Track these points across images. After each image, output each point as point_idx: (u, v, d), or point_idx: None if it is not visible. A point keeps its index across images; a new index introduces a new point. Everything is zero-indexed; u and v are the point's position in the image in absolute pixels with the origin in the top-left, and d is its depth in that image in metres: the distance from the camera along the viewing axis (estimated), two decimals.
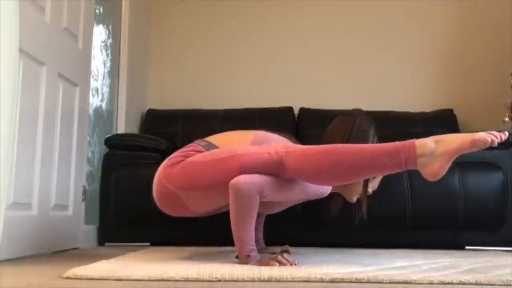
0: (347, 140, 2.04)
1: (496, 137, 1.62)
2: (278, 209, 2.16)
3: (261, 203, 1.77)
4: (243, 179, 1.72)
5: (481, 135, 1.62)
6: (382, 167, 1.69)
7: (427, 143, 1.65)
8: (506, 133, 1.64)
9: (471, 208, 2.76)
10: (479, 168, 2.84)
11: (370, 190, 2.11)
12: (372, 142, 2.10)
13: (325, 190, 1.96)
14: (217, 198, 1.84)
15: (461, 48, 3.88)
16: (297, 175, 1.77)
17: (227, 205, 1.82)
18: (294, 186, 1.84)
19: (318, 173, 1.73)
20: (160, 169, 1.90)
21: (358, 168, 1.70)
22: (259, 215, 2.00)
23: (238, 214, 1.74)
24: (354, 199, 2.16)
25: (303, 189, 1.87)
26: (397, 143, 1.68)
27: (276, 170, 1.76)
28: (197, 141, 1.98)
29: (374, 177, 2.11)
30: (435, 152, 1.64)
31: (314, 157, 1.73)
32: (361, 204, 2.17)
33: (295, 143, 1.95)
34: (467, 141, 1.62)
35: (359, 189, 2.09)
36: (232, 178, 1.75)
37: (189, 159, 1.85)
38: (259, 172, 1.75)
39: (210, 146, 1.92)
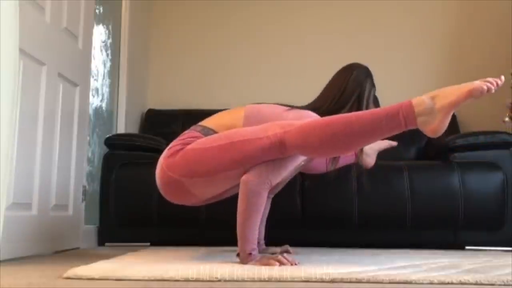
0: (343, 91, 2.11)
1: (492, 83, 1.60)
2: (281, 187, 2.24)
3: None
4: (252, 179, 1.75)
5: (477, 83, 1.60)
6: (382, 130, 1.68)
7: (424, 100, 1.64)
8: (502, 77, 1.62)
9: (471, 208, 2.76)
10: (479, 168, 2.84)
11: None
12: (369, 93, 2.15)
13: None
14: (220, 184, 1.86)
15: (461, 48, 3.88)
16: (299, 151, 1.78)
17: (231, 190, 1.87)
18: (296, 159, 1.86)
19: (320, 147, 1.73)
20: (161, 159, 1.91)
21: (358, 136, 1.69)
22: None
23: (247, 212, 1.75)
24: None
25: (302, 158, 1.90)
26: (393, 105, 1.67)
27: (277, 152, 1.77)
28: (192, 127, 1.98)
29: None
30: (433, 108, 1.63)
31: (313, 132, 1.72)
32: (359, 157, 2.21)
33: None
34: (464, 92, 1.60)
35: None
36: (234, 167, 1.78)
37: (189, 146, 1.86)
38: (261, 159, 1.77)
39: (206, 130, 1.93)
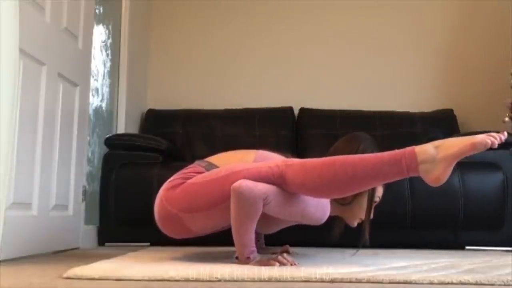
0: None
1: (495, 138, 1.61)
2: (272, 229, 2.12)
3: (258, 219, 1.74)
4: (245, 184, 1.70)
5: (481, 137, 1.62)
6: (384, 176, 1.68)
7: (427, 149, 1.65)
8: (505, 133, 1.64)
9: (471, 208, 2.76)
10: (479, 168, 2.84)
11: (377, 199, 2.05)
12: None
13: (322, 216, 1.92)
14: (219, 218, 1.82)
15: (461, 48, 3.88)
16: (298, 187, 1.75)
17: (229, 224, 1.79)
18: (296, 203, 1.81)
19: (320, 185, 1.72)
20: (161, 192, 1.89)
21: (360, 179, 1.69)
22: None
23: (239, 219, 1.72)
24: (355, 224, 2.09)
25: (303, 208, 1.83)
26: (397, 151, 1.67)
27: (276, 184, 1.74)
28: (197, 162, 1.97)
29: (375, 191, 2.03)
30: (435, 157, 1.64)
31: (314, 169, 1.72)
32: (364, 229, 2.06)
33: None
34: (467, 145, 1.62)
35: (361, 213, 2.04)
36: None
37: (190, 180, 1.84)
38: None
39: (210, 166, 1.91)
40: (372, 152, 2.01)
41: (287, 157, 1.98)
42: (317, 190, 1.76)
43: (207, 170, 1.89)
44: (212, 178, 1.81)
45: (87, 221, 2.82)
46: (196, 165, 1.94)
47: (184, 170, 1.93)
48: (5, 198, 1.66)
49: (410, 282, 1.39)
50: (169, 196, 1.84)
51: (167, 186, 1.88)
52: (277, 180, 1.74)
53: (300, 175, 1.72)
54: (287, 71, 3.94)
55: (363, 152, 2.01)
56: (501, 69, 3.62)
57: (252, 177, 1.73)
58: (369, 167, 1.67)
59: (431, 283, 1.38)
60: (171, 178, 1.91)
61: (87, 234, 2.79)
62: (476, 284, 1.38)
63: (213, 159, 1.98)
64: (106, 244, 2.94)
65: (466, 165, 2.82)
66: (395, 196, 2.78)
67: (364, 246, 2.23)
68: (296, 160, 1.79)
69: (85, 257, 2.16)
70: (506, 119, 3.20)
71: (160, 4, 4.02)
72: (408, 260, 1.98)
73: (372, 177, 1.69)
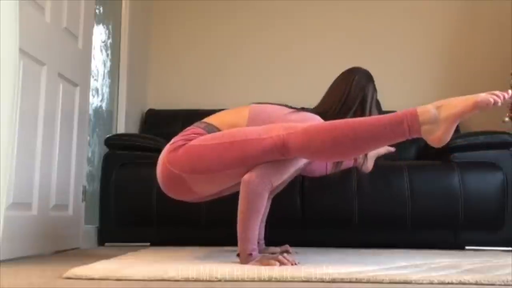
0: (347, 96, 2.09)
1: (498, 96, 1.59)
2: (281, 187, 2.24)
3: None
4: (254, 179, 1.75)
5: (483, 95, 1.60)
6: (386, 137, 1.68)
7: (429, 110, 1.63)
8: (510, 91, 1.61)
9: (471, 208, 2.76)
10: (479, 168, 2.84)
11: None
12: (372, 98, 2.15)
13: (321, 168, 1.99)
14: (220, 182, 1.86)
15: (461, 48, 3.88)
16: (302, 154, 1.77)
17: (231, 187, 1.86)
18: (297, 161, 1.86)
19: (322, 151, 1.73)
20: (163, 154, 1.91)
21: (362, 142, 1.69)
22: None
23: (248, 212, 1.75)
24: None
25: (302, 165, 1.91)
26: (398, 112, 1.67)
27: (279, 154, 1.76)
28: (196, 123, 1.98)
29: None
30: (438, 117, 1.62)
31: (316, 135, 1.72)
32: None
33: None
34: (470, 103, 1.60)
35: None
36: (235, 165, 1.77)
37: (191, 142, 1.85)
38: (262, 159, 1.76)
39: (209, 127, 1.92)
40: (366, 82, 2.15)
41: (281, 105, 2.03)
42: (319, 156, 1.80)
43: (207, 131, 1.90)
44: (214, 143, 1.82)
45: (87, 221, 2.82)
46: (196, 127, 1.95)
47: (184, 132, 1.94)
48: (5, 198, 1.66)
49: (410, 282, 1.39)
50: (171, 158, 1.86)
51: (169, 148, 1.89)
52: (280, 149, 1.75)
53: (302, 142, 1.73)
54: (287, 71, 3.94)
55: (357, 82, 2.12)
56: (501, 69, 3.62)
57: (255, 151, 1.75)
58: (372, 129, 1.67)
59: (431, 283, 1.38)
60: (172, 140, 1.92)
61: (87, 234, 2.79)
62: (476, 284, 1.38)
63: (211, 119, 1.99)
64: (106, 244, 2.94)
65: (466, 165, 2.83)
66: (395, 196, 2.78)
67: (365, 246, 2.23)
68: (297, 127, 1.78)
69: (85, 257, 2.16)
70: (506, 119, 3.19)
71: (160, 4, 4.02)
72: (408, 260, 1.98)
73: (374, 139, 1.68)
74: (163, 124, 3.64)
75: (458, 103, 1.62)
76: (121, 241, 2.92)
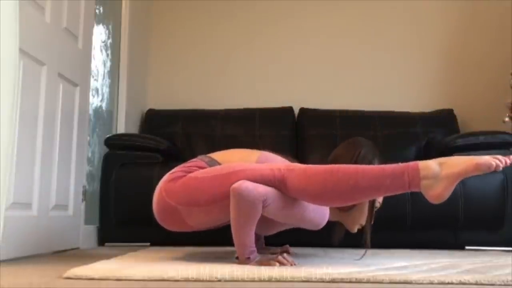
0: None
1: (501, 161, 1.59)
2: (271, 231, 2.13)
3: (258, 221, 1.74)
4: (245, 185, 1.70)
5: (486, 159, 1.59)
6: (385, 188, 1.67)
7: (431, 166, 1.63)
8: None
9: (471, 208, 2.76)
10: None
11: (377, 205, 2.04)
12: None
13: (321, 220, 1.90)
14: (217, 215, 1.81)
15: (461, 48, 3.88)
16: (299, 193, 1.74)
17: (227, 221, 1.80)
18: (295, 207, 1.80)
19: (321, 193, 1.71)
20: (161, 183, 1.89)
21: (361, 189, 1.68)
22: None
23: (239, 220, 1.72)
24: (355, 230, 2.08)
25: (302, 212, 1.82)
26: (400, 164, 1.66)
27: (277, 188, 1.74)
28: (200, 157, 1.96)
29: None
30: (438, 174, 1.63)
31: (316, 176, 1.71)
32: (365, 234, 2.04)
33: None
34: (471, 165, 1.60)
35: (361, 219, 2.02)
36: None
37: (191, 174, 1.84)
38: None
39: (213, 163, 1.90)
40: (372, 157, 2.03)
41: (289, 160, 1.97)
42: (317, 198, 1.75)
43: (210, 165, 1.88)
44: (214, 174, 1.80)
45: (87, 221, 2.82)
46: (199, 160, 1.93)
47: (186, 164, 1.92)
48: (5, 198, 1.66)
49: (410, 282, 1.39)
50: (168, 188, 1.84)
51: (168, 178, 1.87)
52: (278, 183, 1.73)
53: (302, 181, 1.71)
54: (287, 71, 3.94)
55: (363, 157, 2.01)
56: (501, 69, 3.62)
57: (253, 178, 1.73)
58: (371, 179, 1.66)
59: (431, 283, 1.38)
60: (172, 170, 1.90)
61: (87, 234, 2.79)
62: (476, 284, 1.38)
63: (216, 155, 1.97)
64: (106, 244, 2.94)
65: None
66: (395, 196, 2.77)
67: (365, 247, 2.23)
68: (298, 166, 1.78)
69: (85, 257, 2.16)
70: (506, 119, 3.20)
71: (160, 4, 4.02)
72: (408, 260, 1.98)
73: (373, 189, 1.68)
74: (163, 124, 3.64)
75: (460, 162, 1.63)
76: (121, 241, 2.92)
